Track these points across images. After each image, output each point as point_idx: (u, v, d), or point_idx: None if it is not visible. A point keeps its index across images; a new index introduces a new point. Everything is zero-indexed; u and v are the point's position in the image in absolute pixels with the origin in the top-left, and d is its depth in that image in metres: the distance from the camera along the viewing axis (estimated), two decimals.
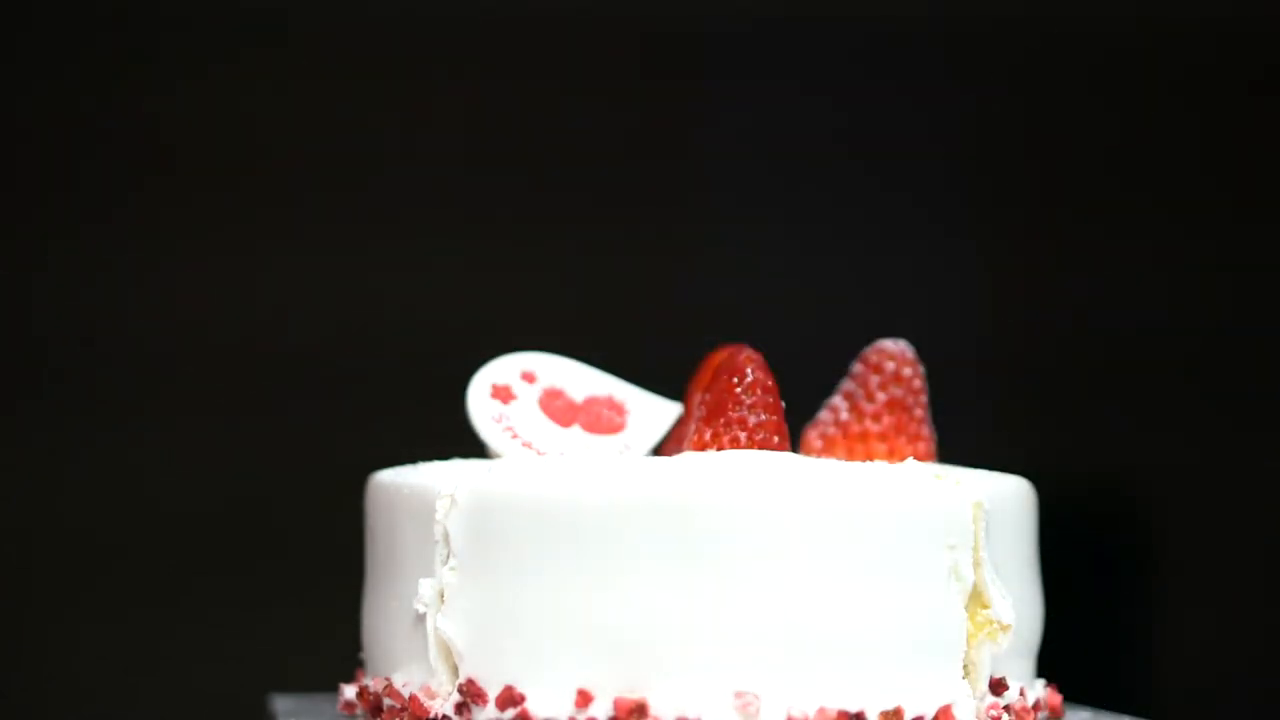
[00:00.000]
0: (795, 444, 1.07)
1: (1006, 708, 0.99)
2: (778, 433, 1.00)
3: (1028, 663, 1.03)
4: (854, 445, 1.07)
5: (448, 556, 0.97)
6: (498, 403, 1.05)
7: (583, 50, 1.92)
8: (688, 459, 0.98)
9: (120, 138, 1.87)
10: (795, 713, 0.93)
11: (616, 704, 0.93)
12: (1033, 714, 1.01)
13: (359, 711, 1.04)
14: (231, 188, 1.88)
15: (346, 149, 1.89)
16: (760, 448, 1.00)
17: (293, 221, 1.89)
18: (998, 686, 0.98)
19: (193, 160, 1.87)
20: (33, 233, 1.86)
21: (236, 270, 1.88)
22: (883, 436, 1.07)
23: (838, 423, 1.07)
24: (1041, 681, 1.05)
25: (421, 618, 0.98)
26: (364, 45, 1.89)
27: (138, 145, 1.87)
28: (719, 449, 1.00)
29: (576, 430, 1.06)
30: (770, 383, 1.01)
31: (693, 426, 1.02)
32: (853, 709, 0.94)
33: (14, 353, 1.86)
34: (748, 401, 1.00)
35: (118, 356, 1.86)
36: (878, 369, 1.07)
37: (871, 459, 1.06)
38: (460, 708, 0.96)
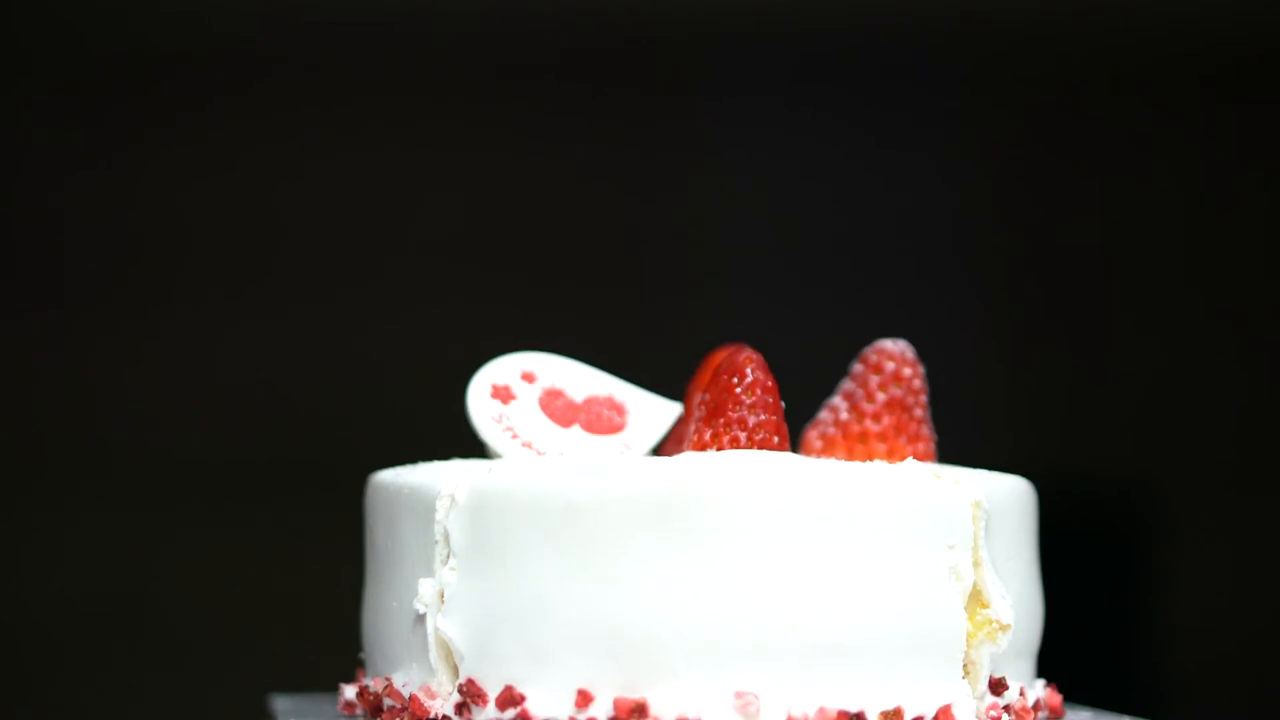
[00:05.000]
0: (795, 444, 1.07)
1: (1006, 708, 0.99)
2: (778, 433, 1.00)
3: (1028, 663, 1.03)
4: (854, 445, 1.07)
5: (448, 556, 0.97)
6: (498, 403, 1.05)
7: (583, 51, 1.92)
8: (688, 459, 0.98)
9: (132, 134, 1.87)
10: (795, 713, 0.93)
11: (616, 704, 0.93)
12: (1033, 714, 1.01)
13: (359, 711, 1.04)
14: (232, 187, 1.89)
15: (349, 152, 1.89)
16: (760, 448, 1.00)
17: (298, 224, 1.89)
18: (998, 686, 0.98)
19: (204, 173, 1.88)
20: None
21: (240, 274, 1.88)
22: (883, 436, 1.07)
23: (838, 423, 1.07)
24: (1041, 681, 1.05)
25: (421, 618, 0.98)
26: (371, 51, 1.89)
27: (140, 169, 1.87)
28: (719, 449, 1.00)
29: (576, 430, 1.06)
30: (770, 383, 1.01)
31: (693, 426, 1.02)
32: (853, 709, 0.94)
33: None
34: (748, 401, 1.00)
35: (120, 363, 1.86)
36: (878, 369, 1.07)
37: (871, 459, 1.06)
38: (460, 708, 0.96)
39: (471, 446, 1.06)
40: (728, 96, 1.93)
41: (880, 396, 1.07)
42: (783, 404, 1.01)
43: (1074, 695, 1.15)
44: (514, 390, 1.06)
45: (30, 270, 1.86)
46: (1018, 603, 1.00)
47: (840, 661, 0.94)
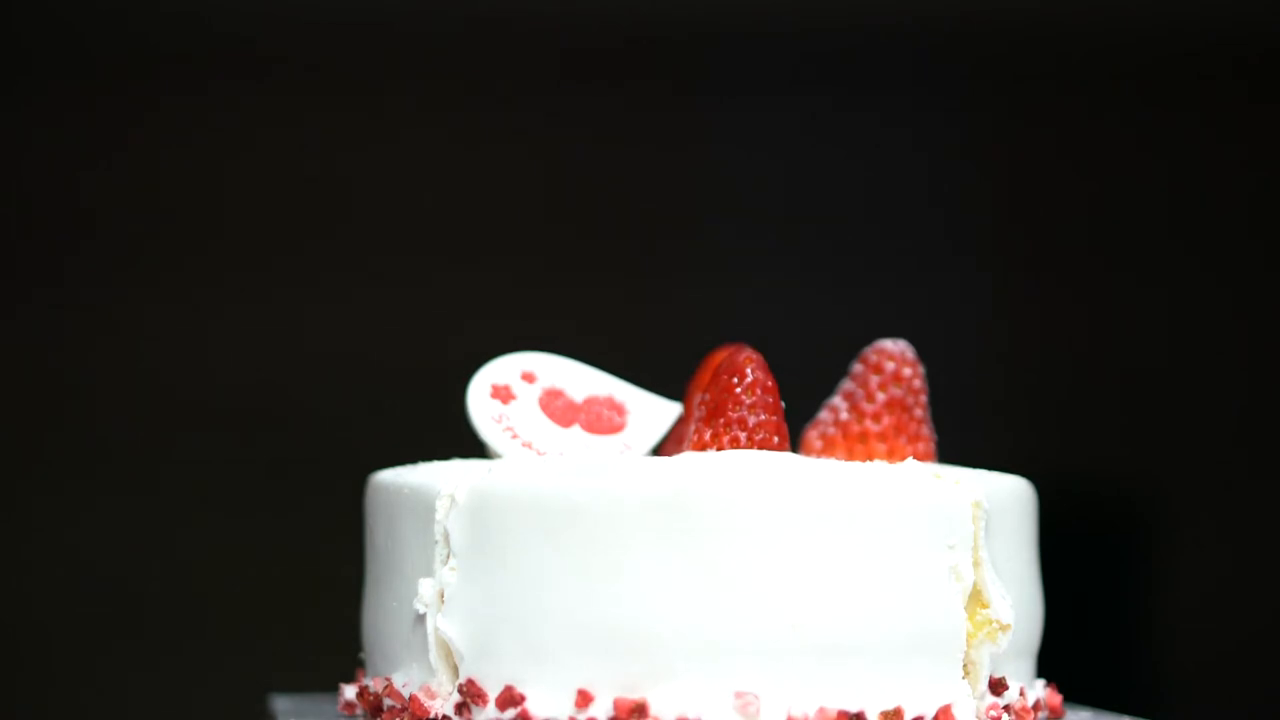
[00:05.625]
0: (795, 444, 1.07)
1: (1006, 708, 0.99)
2: (778, 433, 1.00)
3: (1028, 663, 1.03)
4: (854, 445, 1.07)
5: (448, 556, 0.97)
6: (498, 403, 1.05)
7: (583, 51, 1.92)
8: (688, 459, 0.98)
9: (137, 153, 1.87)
10: (795, 713, 0.93)
11: (616, 704, 0.93)
12: (1033, 714, 1.01)
13: (359, 711, 1.04)
14: (231, 187, 1.89)
15: (349, 152, 1.89)
16: (760, 448, 1.00)
17: (298, 224, 1.89)
18: (998, 686, 0.98)
19: (203, 173, 1.88)
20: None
21: (240, 275, 1.88)
22: (883, 436, 1.07)
23: (838, 423, 1.07)
24: (1041, 681, 1.05)
25: (421, 618, 0.98)
26: (371, 51, 1.89)
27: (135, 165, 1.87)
28: (719, 449, 1.00)
29: (576, 430, 1.06)
30: (770, 383, 1.01)
31: (693, 426, 1.02)
32: (853, 709, 0.94)
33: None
34: (748, 401, 1.00)
35: (121, 364, 1.86)
36: (878, 369, 1.07)
37: (871, 459, 1.06)
38: (460, 708, 0.96)
39: (471, 446, 1.06)
40: (728, 96, 1.93)
41: (880, 396, 1.07)
42: (783, 404, 1.01)
43: (1074, 695, 1.15)
44: (514, 390, 1.06)
45: (29, 270, 1.86)
46: (1018, 603, 1.00)
47: (840, 661, 0.94)
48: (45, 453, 1.86)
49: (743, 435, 1.00)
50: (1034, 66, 1.96)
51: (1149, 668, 1.97)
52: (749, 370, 1.00)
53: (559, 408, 1.06)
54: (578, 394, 1.07)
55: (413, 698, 0.98)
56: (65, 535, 1.85)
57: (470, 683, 0.96)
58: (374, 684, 1.02)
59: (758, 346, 1.03)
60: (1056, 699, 1.05)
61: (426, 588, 0.98)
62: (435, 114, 1.90)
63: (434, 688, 0.98)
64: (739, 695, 0.93)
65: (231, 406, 1.87)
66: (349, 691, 1.05)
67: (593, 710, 0.94)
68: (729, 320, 1.77)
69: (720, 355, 1.08)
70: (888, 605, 0.95)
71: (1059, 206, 1.98)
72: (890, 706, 0.94)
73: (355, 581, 1.07)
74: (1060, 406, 1.97)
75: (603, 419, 1.07)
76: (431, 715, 0.98)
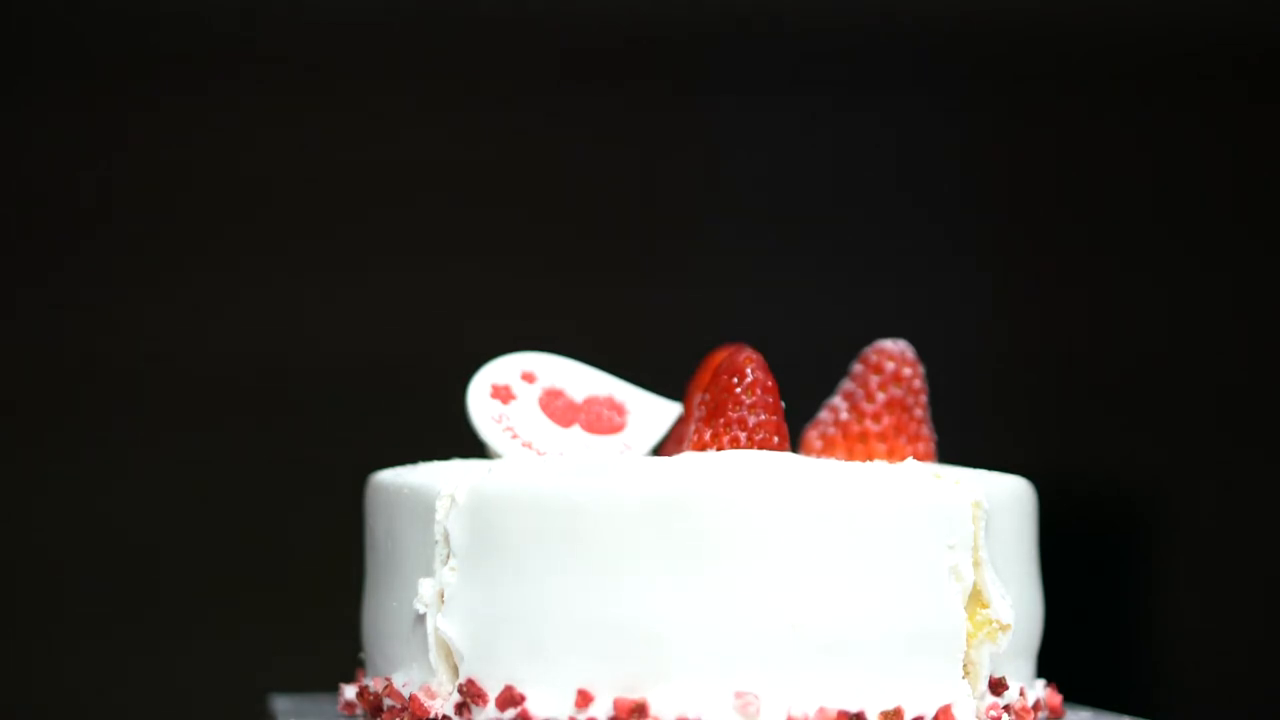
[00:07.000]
0: (795, 444, 1.07)
1: (1006, 708, 0.99)
2: (778, 433, 1.00)
3: (1028, 663, 1.03)
4: (854, 445, 1.07)
5: (448, 556, 0.97)
6: (498, 403, 1.05)
7: (583, 51, 1.92)
8: (688, 459, 0.98)
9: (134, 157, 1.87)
10: (795, 713, 0.93)
11: (616, 704, 0.93)
12: (1033, 714, 1.01)
13: (359, 711, 1.04)
14: (230, 189, 1.89)
15: (350, 155, 1.89)
16: (760, 448, 1.00)
17: (297, 224, 1.89)
18: (998, 686, 0.98)
19: (209, 180, 1.88)
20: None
21: (240, 275, 1.88)
22: (883, 436, 1.07)
23: (838, 423, 1.07)
24: (1041, 681, 1.05)
25: (421, 618, 0.98)
26: (371, 51, 1.90)
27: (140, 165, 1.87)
28: (719, 449, 1.00)
29: (576, 430, 1.06)
30: (770, 383, 1.01)
31: (693, 426, 1.02)
32: (853, 709, 0.94)
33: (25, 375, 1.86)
34: (748, 401, 1.00)
35: (120, 365, 1.86)
36: (878, 369, 1.07)
37: (871, 459, 1.06)
38: (460, 708, 0.96)
39: (471, 446, 1.06)
40: (728, 96, 1.93)
41: (880, 396, 1.07)
42: (783, 404, 1.01)
43: (1074, 695, 1.15)
44: (514, 390, 1.06)
45: (29, 270, 1.86)
46: (1018, 603, 1.00)
47: (840, 661, 0.94)
48: (44, 452, 1.86)
49: (743, 435, 1.00)
50: (1034, 66, 1.96)
51: (1149, 668, 1.97)
52: (749, 370, 1.00)
53: (559, 408, 1.06)
54: (578, 394, 1.07)
55: (413, 698, 0.98)
56: (65, 535, 1.85)
57: (470, 683, 0.96)
58: (374, 684, 1.02)
59: (758, 346, 1.03)
60: (1056, 699, 1.06)
61: (426, 588, 0.98)
62: (435, 114, 1.90)
63: (434, 688, 0.98)
64: (739, 695, 0.93)
65: (231, 406, 1.87)
66: (349, 691, 1.05)
67: (593, 710, 0.94)
68: (729, 320, 1.77)
69: (720, 355, 1.08)
70: (887, 605, 0.95)
71: (1059, 206, 1.98)
72: (890, 706, 0.94)
73: (355, 581, 1.07)
74: (1060, 406, 1.97)
75: (603, 419, 1.07)
76: (431, 715, 0.98)
